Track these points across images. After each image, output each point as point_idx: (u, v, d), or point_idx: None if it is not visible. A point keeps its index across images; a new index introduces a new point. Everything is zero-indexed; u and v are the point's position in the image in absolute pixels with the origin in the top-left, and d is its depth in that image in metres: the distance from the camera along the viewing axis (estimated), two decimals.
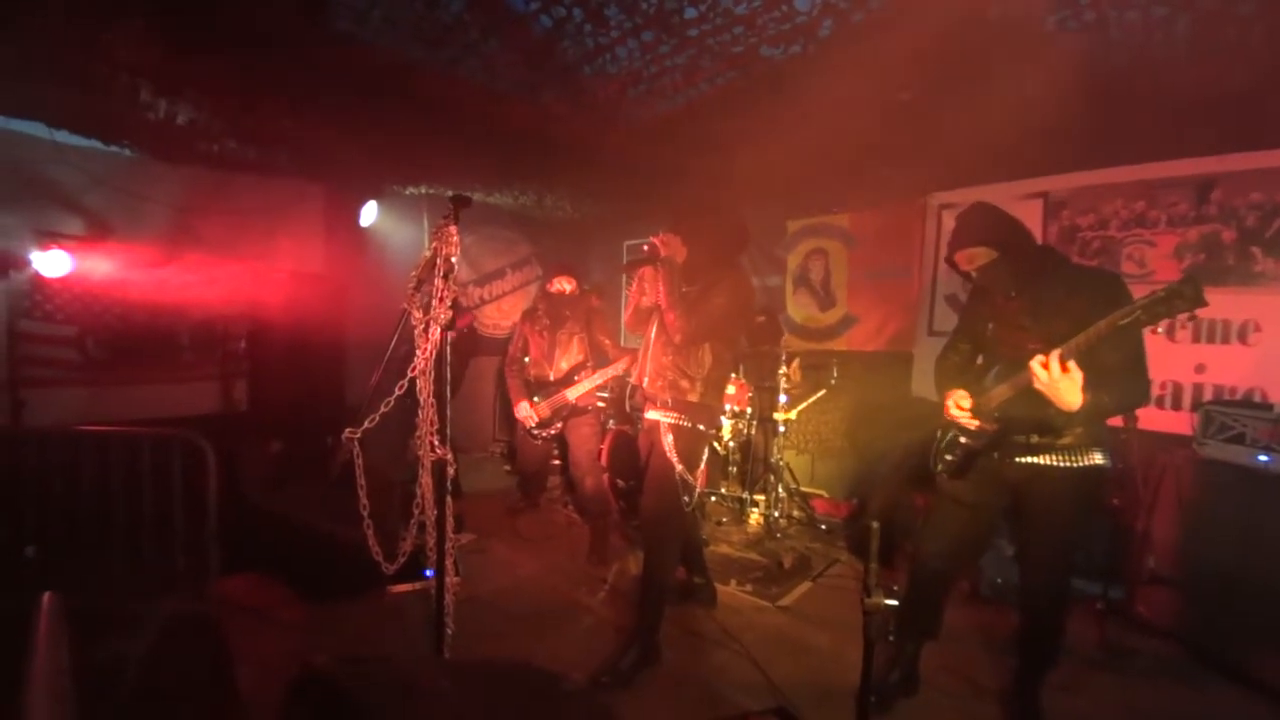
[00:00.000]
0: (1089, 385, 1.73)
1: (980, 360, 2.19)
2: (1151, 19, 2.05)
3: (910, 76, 2.50)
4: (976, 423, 2.04)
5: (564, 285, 3.53)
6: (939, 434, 2.25)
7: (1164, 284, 1.61)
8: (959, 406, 2.07)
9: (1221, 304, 3.08)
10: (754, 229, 5.27)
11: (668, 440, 2.44)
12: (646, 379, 2.58)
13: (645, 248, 2.48)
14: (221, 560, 2.71)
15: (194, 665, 1.43)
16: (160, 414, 3.78)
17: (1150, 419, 2.97)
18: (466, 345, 4.68)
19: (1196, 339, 3.18)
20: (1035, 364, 1.75)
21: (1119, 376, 1.82)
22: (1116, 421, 2.69)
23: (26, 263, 3.41)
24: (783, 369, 4.15)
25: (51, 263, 3.41)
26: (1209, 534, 2.65)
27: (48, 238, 3.47)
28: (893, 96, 2.70)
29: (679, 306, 2.39)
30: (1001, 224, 2.03)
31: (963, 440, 2.12)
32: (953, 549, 2.24)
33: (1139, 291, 1.69)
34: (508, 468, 4.96)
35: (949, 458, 2.18)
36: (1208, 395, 3.13)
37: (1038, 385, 1.76)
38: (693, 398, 2.46)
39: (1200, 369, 3.18)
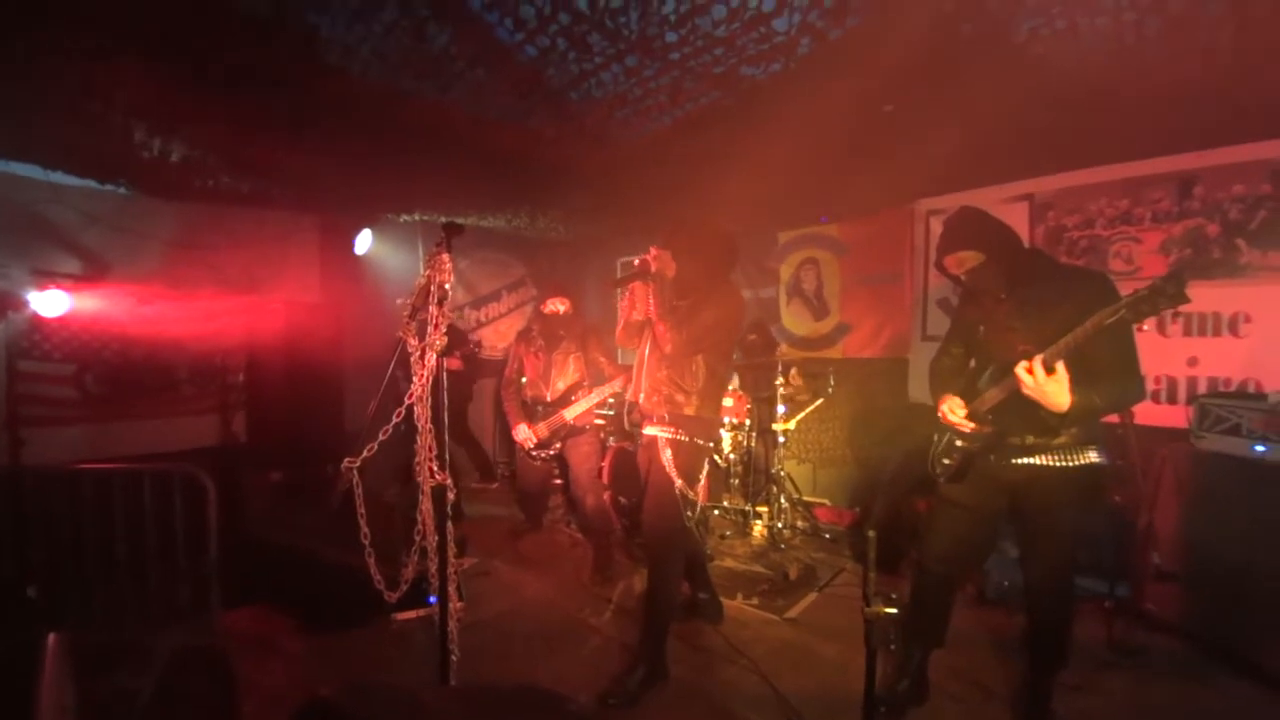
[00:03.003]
0: (1078, 386, 1.75)
1: (973, 363, 2.21)
2: (1122, 23, 2.09)
3: (891, 89, 2.55)
4: (971, 426, 2.05)
5: (558, 306, 3.55)
6: (935, 438, 2.27)
7: (1149, 279, 1.64)
8: (953, 412, 2.09)
9: (1210, 297, 3.11)
10: (745, 241, 5.32)
11: (666, 455, 2.45)
12: (643, 395, 2.59)
13: (637, 262, 2.51)
14: (225, 592, 2.71)
15: (201, 698, 1.43)
16: (160, 449, 3.80)
17: (1147, 414, 2.98)
18: (468, 371, 4.69)
19: (1188, 333, 3.21)
20: (1020, 369, 1.77)
21: (1110, 375, 1.84)
22: (1113, 418, 2.71)
23: (24, 303, 3.43)
24: (779, 379, 4.17)
25: (49, 302, 3.43)
26: (1212, 527, 2.65)
27: (45, 278, 3.50)
28: (875, 108, 2.74)
29: (669, 318, 2.41)
30: (988, 227, 2.06)
31: (959, 444, 2.14)
32: (954, 553, 2.24)
33: (1128, 288, 1.71)
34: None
35: (946, 462, 2.19)
36: (1202, 388, 3.15)
37: (1025, 390, 1.78)
38: (689, 411, 2.47)
39: (1193, 362, 3.20)
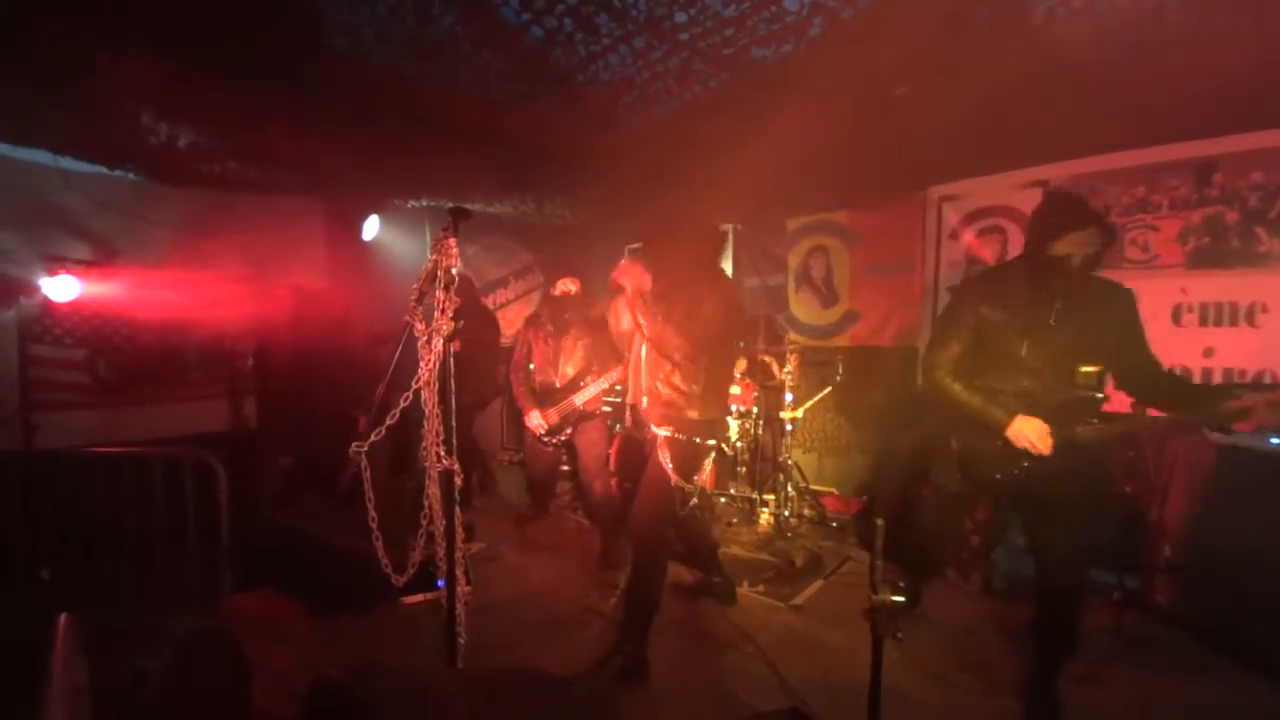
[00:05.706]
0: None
1: (990, 370, 2.13)
2: (1141, 5, 2.05)
3: (903, 71, 2.51)
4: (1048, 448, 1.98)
5: (569, 286, 3.52)
6: (957, 443, 2.20)
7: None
8: (1042, 440, 1.98)
9: (1227, 286, 3.06)
10: (753, 228, 5.31)
11: (664, 452, 2.40)
12: (645, 399, 2.52)
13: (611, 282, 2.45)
14: (234, 576, 2.74)
15: (210, 681, 1.44)
16: (171, 433, 3.83)
17: None
18: (486, 361, 4.67)
19: (1204, 323, 3.16)
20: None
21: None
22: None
23: (36, 288, 3.46)
24: (788, 367, 4.14)
25: (60, 288, 3.46)
26: (1224, 520, 2.63)
27: (56, 263, 3.52)
28: (887, 91, 2.70)
29: (670, 326, 2.35)
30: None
31: (1025, 464, 2.05)
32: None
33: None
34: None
35: (998, 477, 2.13)
36: (1217, 379, 3.10)
37: None
38: (693, 414, 2.42)
39: (1209, 353, 3.15)
